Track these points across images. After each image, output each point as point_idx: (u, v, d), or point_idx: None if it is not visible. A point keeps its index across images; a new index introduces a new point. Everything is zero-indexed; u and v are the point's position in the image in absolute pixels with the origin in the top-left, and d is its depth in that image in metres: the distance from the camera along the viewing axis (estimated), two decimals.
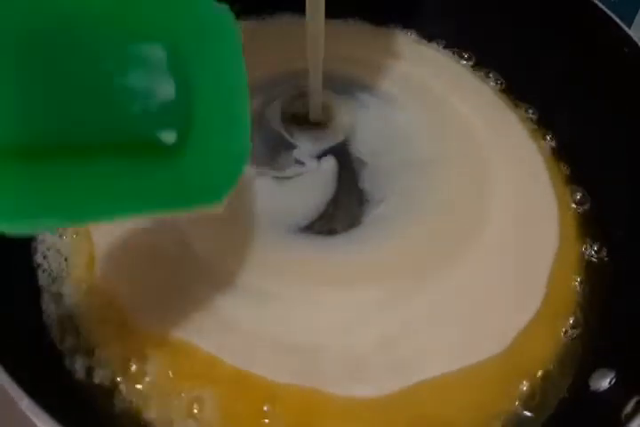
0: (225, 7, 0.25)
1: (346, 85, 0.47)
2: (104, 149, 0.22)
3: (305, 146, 0.44)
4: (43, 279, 0.37)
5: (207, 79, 0.25)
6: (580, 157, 0.44)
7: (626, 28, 0.41)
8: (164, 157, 0.24)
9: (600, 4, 0.42)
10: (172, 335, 0.35)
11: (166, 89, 0.23)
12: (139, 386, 0.34)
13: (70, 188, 0.21)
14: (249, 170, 0.42)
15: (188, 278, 0.37)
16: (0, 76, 0.20)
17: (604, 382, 0.34)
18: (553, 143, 0.46)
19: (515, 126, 0.46)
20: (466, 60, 0.50)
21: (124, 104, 0.22)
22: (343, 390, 0.34)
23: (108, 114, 0.22)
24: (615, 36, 0.41)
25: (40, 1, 0.21)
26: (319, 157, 0.44)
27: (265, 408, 0.34)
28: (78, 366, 0.35)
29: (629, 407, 0.30)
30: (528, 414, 0.35)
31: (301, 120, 0.46)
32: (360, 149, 0.45)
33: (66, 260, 0.38)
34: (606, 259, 0.40)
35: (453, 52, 0.50)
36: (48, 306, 0.37)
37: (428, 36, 0.51)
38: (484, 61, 0.49)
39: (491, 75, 0.49)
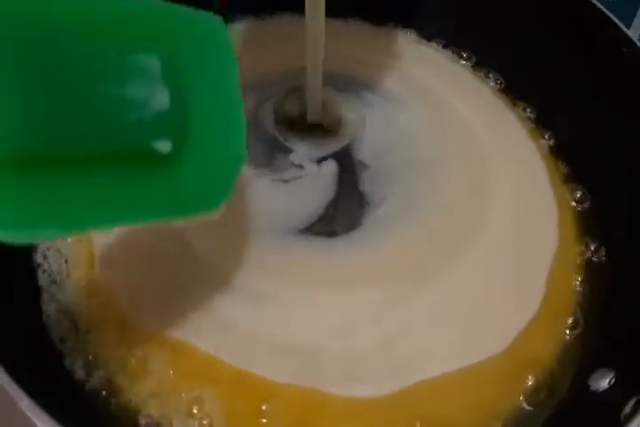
0: (218, 17, 0.26)
1: (346, 84, 0.47)
2: (101, 159, 0.23)
3: (303, 150, 0.44)
4: (43, 279, 0.37)
5: (202, 89, 0.25)
6: (579, 156, 0.44)
7: (625, 29, 0.41)
8: (160, 167, 0.24)
9: (599, 5, 0.42)
10: (171, 335, 0.35)
11: (161, 99, 0.23)
12: (138, 386, 0.34)
13: (69, 197, 0.22)
14: (247, 171, 0.42)
15: (187, 279, 0.37)
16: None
17: (603, 382, 0.34)
18: (552, 143, 0.46)
19: (514, 126, 0.46)
20: (465, 59, 0.50)
21: (120, 114, 0.23)
22: (343, 391, 0.34)
23: (105, 124, 0.22)
24: (614, 36, 0.41)
25: (37, 12, 0.21)
26: (319, 160, 0.44)
27: (264, 408, 0.34)
28: (78, 366, 0.35)
29: (628, 408, 0.30)
30: (528, 413, 0.35)
31: (300, 122, 0.45)
32: (362, 151, 0.44)
33: (66, 260, 0.38)
34: (606, 259, 0.40)
35: (453, 52, 0.50)
36: (48, 306, 0.37)
37: (428, 35, 0.51)
38: (483, 61, 0.49)
39: (490, 75, 0.49)
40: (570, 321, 0.38)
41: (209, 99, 0.25)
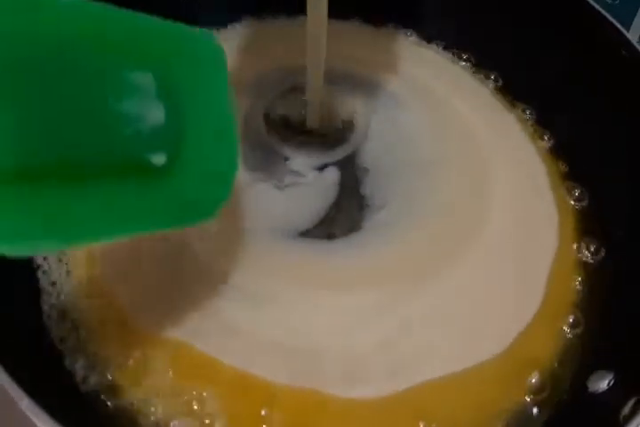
0: (212, 34, 0.27)
1: (346, 85, 0.47)
2: (99, 172, 0.23)
3: (304, 159, 0.44)
4: (43, 280, 0.37)
5: (196, 104, 0.26)
6: (578, 156, 0.44)
7: (624, 31, 0.41)
8: (155, 179, 0.25)
9: (598, 7, 0.42)
10: (171, 336, 0.35)
11: (156, 114, 0.24)
12: (139, 386, 0.34)
13: (67, 210, 0.22)
14: (245, 176, 0.42)
15: (187, 279, 0.37)
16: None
17: (602, 383, 0.34)
18: (552, 143, 0.46)
19: (514, 127, 0.46)
20: (465, 60, 0.50)
21: (117, 128, 0.23)
22: (343, 392, 0.34)
23: (102, 138, 0.23)
24: (613, 38, 0.41)
25: (36, 32, 0.21)
26: (320, 168, 0.44)
27: (264, 409, 0.34)
28: (78, 367, 0.34)
29: (627, 409, 0.30)
30: (528, 414, 0.35)
31: (300, 127, 0.45)
32: (365, 155, 0.44)
33: (66, 261, 0.38)
34: (606, 259, 0.40)
35: (453, 53, 0.50)
36: (48, 306, 0.36)
37: (428, 37, 0.51)
38: (482, 62, 0.49)
39: (490, 75, 0.49)
40: (570, 321, 0.38)
41: (202, 113, 0.26)
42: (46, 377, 0.33)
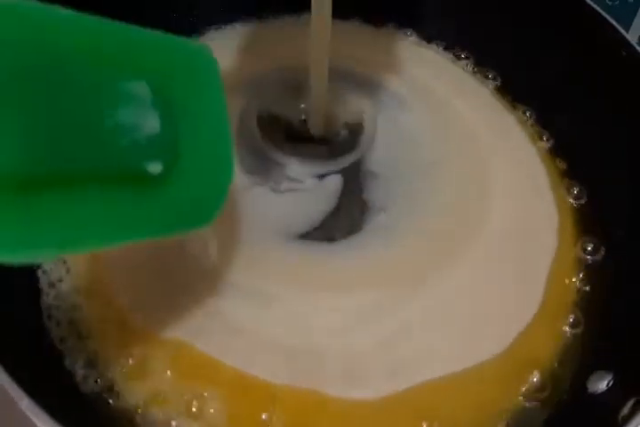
0: (205, 45, 0.28)
1: (346, 85, 0.47)
2: (97, 181, 0.23)
3: (304, 168, 0.43)
4: (43, 279, 0.37)
5: (191, 114, 0.27)
6: (578, 156, 0.44)
7: (623, 32, 0.41)
8: (152, 187, 0.25)
9: (598, 8, 0.42)
10: (172, 336, 0.35)
11: (152, 124, 0.25)
12: (139, 386, 0.34)
13: (67, 218, 0.22)
14: (243, 179, 0.42)
15: (187, 280, 0.37)
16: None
17: (601, 384, 0.34)
18: (552, 143, 0.46)
19: (513, 127, 0.46)
20: (465, 61, 0.50)
21: (114, 138, 0.24)
22: (343, 392, 0.34)
23: (99, 147, 0.23)
24: (613, 39, 0.41)
25: (41, 41, 0.22)
26: (321, 176, 0.43)
27: (265, 409, 0.34)
28: (78, 367, 0.34)
29: (626, 409, 0.30)
30: (528, 413, 0.35)
31: (302, 131, 0.45)
32: (372, 161, 0.44)
33: (66, 260, 0.38)
34: (606, 259, 0.40)
35: (453, 54, 0.50)
36: (48, 306, 0.36)
37: (428, 37, 0.51)
38: (482, 62, 0.49)
39: (489, 76, 0.49)
40: (570, 321, 0.38)
41: (197, 122, 0.27)
42: (46, 377, 0.33)
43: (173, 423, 0.33)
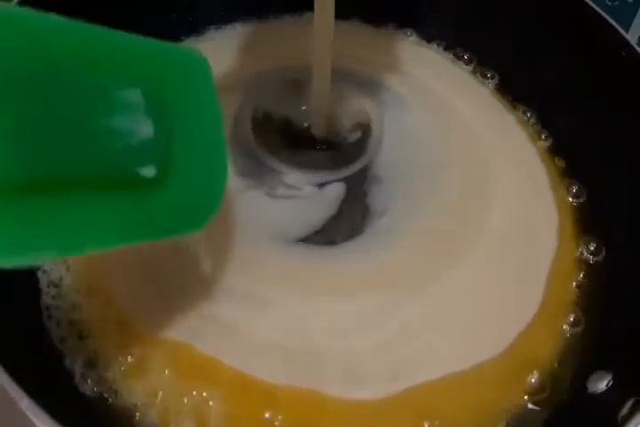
0: (199, 51, 0.29)
1: (349, 85, 0.47)
2: (93, 185, 0.24)
3: (301, 177, 0.43)
4: (43, 280, 0.37)
5: (185, 118, 0.27)
6: (578, 156, 0.44)
7: (623, 32, 0.41)
8: (146, 190, 0.26)
9: (598, 9, 0.42)
10: (171, 336, 0.35)
11: (145, 128, 0.25)
12: (138, 386, 0.34)
13: (64, 221, 0.23)
14: (236, 182, 0.41)
15: (183, 282, 0.37)
16: None
17: (601, 384, 0.34)
18: (552, 143, 0.46)
19: (514, 127, 0.46)
20: (465, 61, 0.50)
21: (108, 142, 0.24)
22: (343, 393, 0.34)
23: (94, 152, 0.24)
24: (612, 39, 0.41)
25: (37, 48, 0.22)
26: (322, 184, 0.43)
27: (264, 410, 0.34)
28: (78, 367, 0.34)
29: (626, 409, 0.30)
30: (528, 413, 0.35)
31: (303, 135, 0.45)
32: (377, 165, 0.44)
33: (66, 260, 0.38)
34: (606, 259, 0.40)
35: (453, 53, 0.50)
36: (48, 306, 0.36)
37: (428, 37, 0.51)
38: (482, 62, 0.49)
39: (489, 75, 0.49)
40: (570, 321, 0.38)
41: (191, 126, 0.28)
42: (46, 377, 0.33)
43: (173, 424, 0.33)
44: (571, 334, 0.38)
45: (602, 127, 0.43)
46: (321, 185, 0.42)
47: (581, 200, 0.43)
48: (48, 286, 0.37)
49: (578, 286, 0.40)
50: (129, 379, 0.34)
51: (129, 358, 0.35)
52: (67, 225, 0.23)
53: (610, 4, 0.52)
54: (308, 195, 0.42)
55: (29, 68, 0.21)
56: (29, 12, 0.22)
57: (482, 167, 0.43)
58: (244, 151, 0.43)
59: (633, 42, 0.40)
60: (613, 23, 0.41)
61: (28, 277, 0.37)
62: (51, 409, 0.27)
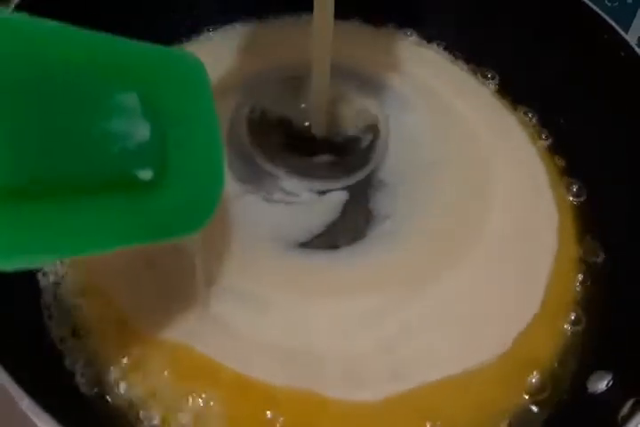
0: (195, 55, 0.29)
1: (350, 85, 0.47)
2: (91, 187, 0.24)
3: (303, 184, 0.42)
4: (43, 280, 0.37)
5: (181, 121, 0.27)
6: (578, 156, 0.44)
7: (622, 33, 0.41)
8: (143, 193, 0.26)
9: (597, 9, 0.42)
10: (171, 337, 0.35)
11: (142, 131, 0.25)
12: (139, 387, 0.34)
13: (62, 224, 0.23)
14: (234, 187, 0.41)
15: (185, 282, 0.37)
16: None
17: (601, 384, 0.34)
18: (552, 144, 0.46)
19: (514, 127, 0.46)
20: (465, 61, 0.50)
21: (105, 146, 0.24)
22: (343, 394, 0.34)
23: (91, 155, 0.24)
24: (612, 40, 0.41)
25: (33, 53, 0.22)
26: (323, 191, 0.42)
27: (264, 411, 0.34)
28: (78, 367, 0.34)
29: (626, 409, 0.30)
30: (529, 413, 0.35)
31: (305, 139, 0.45)
32: (383, 170, 0.43)
33: (65, 261, 0.38)
34: (606, 259, 0.40)
35: (453, 54, 0.50)
36: (48, 306, 0.36)
37: (428, 37, 0.51)
38: (483, 62, 0.49)
39: (489, 75, 0.49)
40: (570, 321, 0.38)
41: (187, 129, 0.28)
42: (46, 377, 0.33)
43: (173, 424, 0.33)
44: (571, 333, 0.38)
45: (602, 127, 0.43)
46: (322, 192, 0.42)
47: (582, 199, 0.43)
48: (48, 287, 0.37)
49: (578, 286, 0.40)
50: (129, 379, 0.34)
51: (129, 359, 0.35)
52: (64, 228, 0.23)
53: (609, 4, 0.52)
54: (307, 201, 0.42)
55: (25, 74, 0.22)
56: (25, 18, 0.22)
57: (482, 167, 0.43)
58: (240, 155, 0.43)
59: (632, 42, 0.40)
60: (613, 24, 0.41)
61: (28, 278, 0.37)
62: (51, 409, 0.27)
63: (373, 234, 0.40)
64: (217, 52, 0.47)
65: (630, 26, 0.53)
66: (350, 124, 0.46)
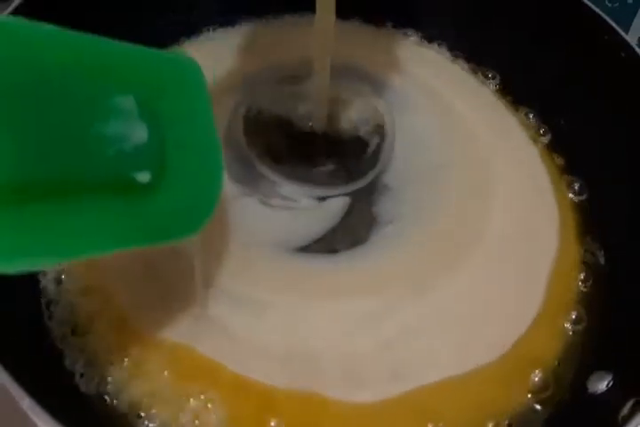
0: (191, 58, 0.29)
1: (350, 86, 0.47)
2: (90, 190, 0.24)
3: (302, 189, 0.42)
4: (43, 279, 0.37)
5: (178, 124, 0.28)
6: (578, 156, 0.44)
7: (623, 33, 0.41)
8: (142, 195, 0.26)
9: (598, 10, 0.42)
10: (171, 337, 0.35)
11: (139, 134, 0.26)
12: (138, 387, 0.34)
13: (62, 227, 0.23)
14: (231, 188, 0.41)
15: (184, 283, 0.37)
16: None
17: (601, 384, 0.34)
18: (552, 143, 0.46)
19: (514, 127, 0.46)
20: (466, 61, 0.50)
21: (103, 148, 0.25)
22: (343, 394, 0.34)
23: (89, 158, 0.24)
24: (612, 40, 0.41)
25: (30, 57, 0.22)
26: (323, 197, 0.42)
27: (264, 412, 0.34)
28: (79, 366, 0.34)
29: (626, 409, 0.30)
30: (528, 414, 0.35)
31: (303, 139, 0.45)
32: (388, 175, 0.44)
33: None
34: (606, 259, 0.41)
35: (453, 54, 0.50)
36: (49, 306, 0.36)
37: (428, 37, 0.51)
38: (483, 63, 0.49)
39: (490, 75, 0.49)
40: (571, 320, 0.38)
41: (185, 132, 0.28)
42: (47, 377, 0.32)
43: (172, 424, 0.33)
44: (572, 332, 0.38)
45: (602, 127, 0.43)
46: (322, 198, 0.42)
47: (583, 197, 0.43)
48: (48, 286, 0.37)
49: (579, 286, 0.40)
50: (129, 379, 0.34)
51: (129, 359, 0.35)
52: (63, 231, 0.23)
53: (610, 5, 0.52)
54: (306, 207, 0.42)
55: (22, 78, 0.22)
56: (22, 22, 0.22)
57: (482, 167, 0.43)
58: (238, 157, 0.43)
59: (633, 43, 0.40)
60: (613, 24, 0.41)
61: (28, 278, 0.37)
62: (51, 409, 0.27)
63: (374, 238, 0.40)
64: (217, 52, 0.47)
65: (630, 26, 0.54)
66: (353, 124, 0.46)
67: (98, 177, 0.24)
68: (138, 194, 0.26)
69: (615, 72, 0.41)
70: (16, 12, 0.38)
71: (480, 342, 0.36)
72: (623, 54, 0.40)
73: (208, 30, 0.50)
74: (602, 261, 0.41)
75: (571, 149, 0.45)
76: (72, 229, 0.23)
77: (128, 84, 0.26)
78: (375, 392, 0.34)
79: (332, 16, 0.36)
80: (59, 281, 0.37)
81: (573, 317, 0.38)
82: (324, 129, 0.44)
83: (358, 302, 0.37)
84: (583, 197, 0.43)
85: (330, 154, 0.45)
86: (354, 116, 0.46)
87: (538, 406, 0.35)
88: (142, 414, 0.34)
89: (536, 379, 0.36)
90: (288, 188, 0.42)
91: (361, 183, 0.43)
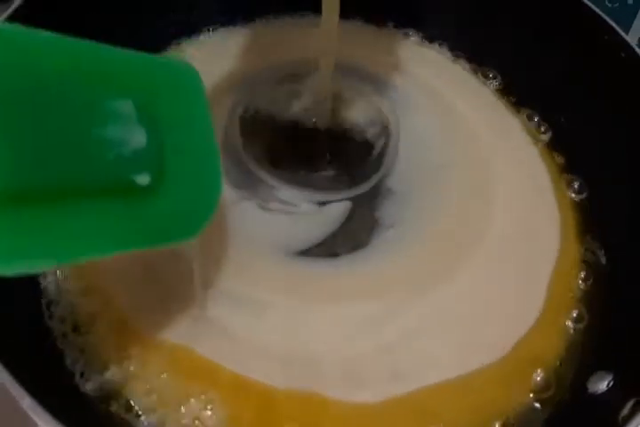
0: (189, 64, 0.30)
1: (350, 86, 0.47)
2: (89, 193, 0.24)
3: (301, 194, 0.42)
4: (43, 280, 0.37)
5: (177, 128, 0.28)
6: (578, 157, 0.44)
7: (623, 34, 0.41)
8: (141, 198, 0.26)
9: (598, 10, 0.42)
10: (171, 338, 0.35)
11: (138, 138, 0.26)
12: (138, 387, 0.34)
13: (60, 229, 0.23)
14: (230, 193, 0.41)
15: (184, 284, 0.37)
16: None
17: (601, 384, 0.34)
18: (552, 143, 0.46)
19: (515, 127, 0.46)
20: (466, 61, 0.50)
21: (102, 152, 0.25)
22: (343, 395, 0.34)
23: (89, 161, 0.24)
24: (613, 40, 0.41)
25: (28, 64, 0.22)
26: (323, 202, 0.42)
27: (264, 413, 0.34)
28: (79, 366, 0.34)
29: (626, 409, 0.30)
30: (528, 414, 0.35)
31: (303, 139, 0.45)
32: (391, 178, 0.43)
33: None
34: (606, 259, 0.41)
35: (454, 54, 0.50)
36: (49, 306, 0.36)
37: (429, 37, 0.51)
38: (484, 62, 0.49)
39: (490, 75, 0.49)
40: (572, 319, 0.38)
41: (183, 136, 0.28)
42: (47, 377, 0.32)
43: (172, 424, 0.33)
44: (573, 331, 0.38)
45: (602, 127, 0.43)
46: (322, 203, 0.42)
47: (583, 196, 0.43)
48: (48, 286, 0.37)
49: (580, 286, 0.40)
50: (128, 379, 0.34)
51: (129, 359, 0.35)
52: (63, 233, 0.23)
53: (610, 5, 0.52)
54: (306, 211, 0.42)
55: (20, 85, 0.22)
56: (18, 29, 0.23)
57: (483, 167, 0.43)
58: (236, 161, 0.43)
59: (633, 43, 0.41)
60: (613, 25, 0.41)
61: (28, 278, 0.37)
62: (51, 408, 0.27)
63: (376, 242, 0.40)
64: (217, 52, 0.47)
65: (631, 27, 0.54)
66: (357, 124, 0.46)
67: (97, 180, 0.24)
68: (137, 196, 0.26)
69: (615, 72, 0.41)
70: (16, 13, 0.38)
71: (481, 342, 0.36)
72: (623, 54, 0.40)
73: (208, 30, 0.50)
74: (602, 259, 0.41)
75: (571, 148, 0.45)
76: (71, 232, 0.23)
77: (126, 89, 0.26)
78: (375, 393, 0.34)
79: (336, 16, 0.36)
80: (59, 281, 0.37)
81: (575, 314, 0.38)
82: (327, 125, 0.44)
83: (359, 305, 0.37)
84: (583, 196, 0.43)
85: (332, 155, 0.45)
86: (357, 116, 0.46)
87: (541, 405, 0.35)
88: (142, 414, 0.34)
89: (538, 379, 0.36)
90: (287, 192, 0.42)
91: (364, 188, 0.43)
